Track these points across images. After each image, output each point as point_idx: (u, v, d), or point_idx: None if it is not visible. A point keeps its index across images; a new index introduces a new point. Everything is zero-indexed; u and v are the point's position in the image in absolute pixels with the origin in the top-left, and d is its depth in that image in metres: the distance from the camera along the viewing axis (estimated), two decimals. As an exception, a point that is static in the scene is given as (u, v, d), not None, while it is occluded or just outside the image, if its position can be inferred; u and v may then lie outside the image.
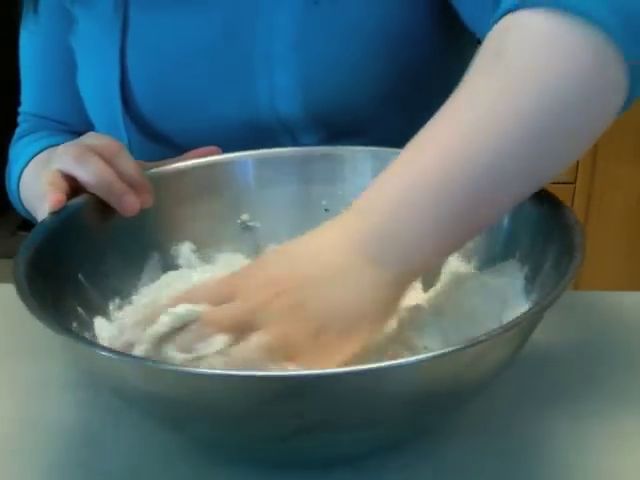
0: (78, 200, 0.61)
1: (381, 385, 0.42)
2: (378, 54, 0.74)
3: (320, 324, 0.46)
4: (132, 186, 0.62)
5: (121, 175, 0.61)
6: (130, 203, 0.61)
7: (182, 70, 0.77)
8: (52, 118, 0.90)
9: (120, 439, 0.56)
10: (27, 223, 0.90)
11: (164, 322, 0.47)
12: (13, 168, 0.85)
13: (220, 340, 0.46)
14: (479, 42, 0.55)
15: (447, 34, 0.78)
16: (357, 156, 0.69)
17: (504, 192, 0.49)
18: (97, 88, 0.81)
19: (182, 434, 0.54)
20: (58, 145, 0.81)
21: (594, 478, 0.51)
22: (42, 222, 0.59)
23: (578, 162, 1.93)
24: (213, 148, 0.71)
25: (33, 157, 0.82)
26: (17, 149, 0.87)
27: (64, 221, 0.59)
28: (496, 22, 0.53)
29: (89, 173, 0.60)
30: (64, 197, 0.59)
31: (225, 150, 0.72)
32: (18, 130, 0.91)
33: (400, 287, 0.49)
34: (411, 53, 0.75)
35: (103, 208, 0.62)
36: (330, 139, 0.77)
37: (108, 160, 0.61)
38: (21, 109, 0.93)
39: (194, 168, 0.69)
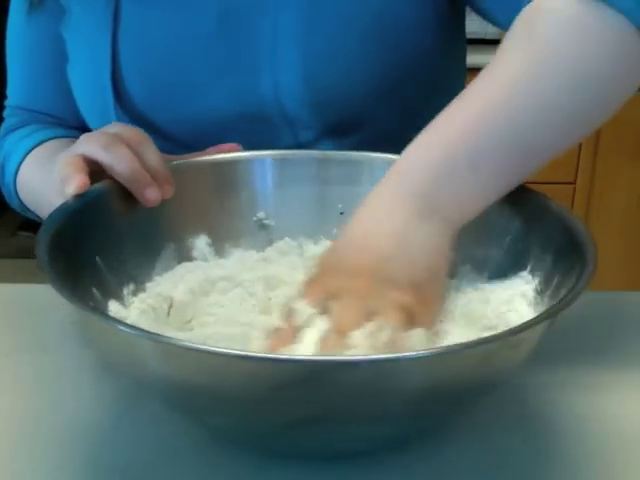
0: (100, 185, 0.62)
1: (392, 376, 0.44)
2: (372, 50, 0.74)
3: (413, 281, 0.53)
4: (155, 177, 0.63)
5: (145, 165, 0.62)
6: (152, 195, 0.62)
7: (176, 62, 0.77)
8: (42, 111, 0.88)
9: (131, 433, 0.57)
10: (27, 223, 0.90)
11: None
12: (8, 162, 0.84)
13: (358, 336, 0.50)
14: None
15: (444, 31, 0.79)
16: (373, 162, 0.70)
17: (539, 146, 0.55)
18: (88, 79, 0.80)
19: (194, 419, 0.55)
20: (56, 138, 0.82)
21: (594, 478, 0.52)
22: (64, 204, 0.59)
23: (578, 162, 1.94)
24: (234, 145, 0.71)
25: (30, 151, 0.82)
26: (9, 144, 0.86)
27: (85, 204, 0.60)
28: (527, 4, 0.56)
29: (116, 161, 0.61)
30: (88, 180, 0.60)
31: (218, 142, 0.72)
32: (5, 124, 0.89)
33: (452, 230, 0.55)
34: (406, 49, 0.76)
35: (124, 195, 0.63)
36: (328, 135, 0.77)
37: (134, 150, 0.62)
38: (8, 102, 0.91)
39: (215, 164, 0.70)
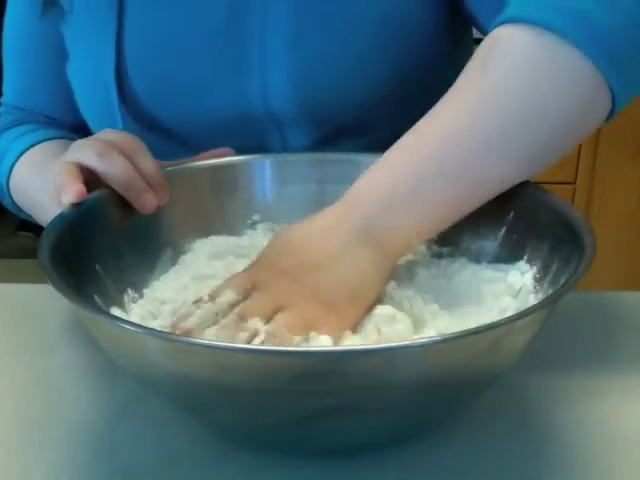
0: (96, 193, 0.62)
1: (400, 364, 0.44)
2: (376, 54, 0.73)
3: (332, 297, 0.54)
4: (150, 184, 0.63)
5: (140, 172, 0.63)
6: (149, 201, 0.63)
7: (181, 59, 0.76)
8: (37, 111, 0.88)
9: (131, 433, 0.57)
10: (27, 223, 0.90)
11: (198, 315, 0.53)
12: (1, 162, 0.84)
13: (254, 325, 0.52)
14: (478, 42, 0.58)
15: (448, 36, 0.78)
16: (370, 161, 0.69)
17: (476, 189, 0.56)
18: (91, 77, 0.80)
19: (200, 417, 0.55)
20: (50, 139, 0.81)
21: (594, 478, 0.52)
22: (62, 213, 0.60)
23: (578, 162, 1.94)
24: (227, 149, 0.72)
25: (24, 152, 0.82)
26: (2, 143, 0.85)
27: (83, 213, 0.60)
28: (488, 34, 0.57)
29: (111, 169, 0.62)
30: (85, 189, 0.60)
31: (215, 143, 0.73)
32: (0, 122, 0.89)
33: (389, 262, 0.57)
34: (410, 54, 0.75)
35: (120, 203, 0.63)
36: (321, 141, 0.77)
37: (128, 157, 0.63)
38: (3, 100, 0.91)
39: (210, 168, 0.71)
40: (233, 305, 0.53)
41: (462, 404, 0.55)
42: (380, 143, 0.74)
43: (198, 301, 0.54)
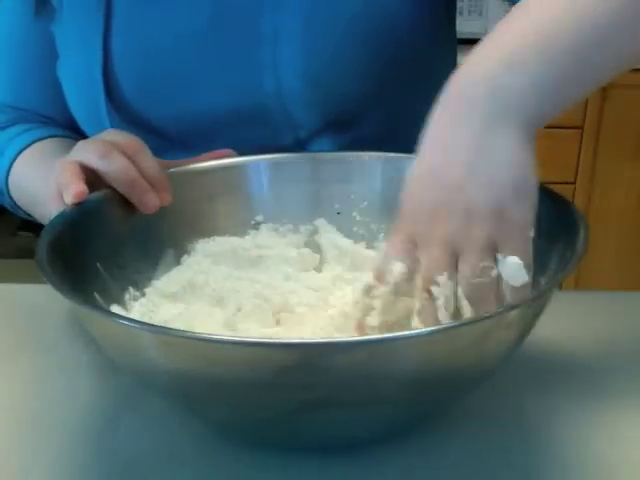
0: (99, 193, 0.63)
1: (385, 357, 0.44)
2: (369, 47, 0.75)
3: (496, 202, 0.49)
4: (152, 184, 0.63)
5: (142, 173, 0.63)
6: (151, 201, 0.63)
7: (169, 58, 0.77)
8: (30, 110, 0.88)
9: (130, 433, 0.57)
10: (27, 223, 0.90)
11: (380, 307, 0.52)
12: (0, 161, 0.84)
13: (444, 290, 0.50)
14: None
15: (438, 30, 0.80)
16: (368, 161, 0.71)
17: (604, 54, 0.52)
18: (79, 76, 0.80)
19: (194, 412, 0.55)
20: (48, 138, 0.82)
21: (593, 478, 0.52)
22: (63, 211, 0.60)
23: (578, 162, 1.94)
24: (228, 151, 0.72)
25: (23, 150, 0.82)
26: (0, 141, 0.85)
27: (84, 212, 0.61)
28: None
29: (113, 169, 0.62)
30: (87, 189, 0.60)
31: (205, 140, 0.73)
32: None
33: (529, 138, 0.51)
34: (402, 48, 0.76)
35: (122, 203, 0.64)
36: (327, 131, 0.78)
37: (130, 157, 0.63)
38: None
39: (212, 169, 0.71)
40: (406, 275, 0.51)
41: (454, 399, 0.55)
42: (383, 132, 0.76)
43: (369, 289, 0.52)
